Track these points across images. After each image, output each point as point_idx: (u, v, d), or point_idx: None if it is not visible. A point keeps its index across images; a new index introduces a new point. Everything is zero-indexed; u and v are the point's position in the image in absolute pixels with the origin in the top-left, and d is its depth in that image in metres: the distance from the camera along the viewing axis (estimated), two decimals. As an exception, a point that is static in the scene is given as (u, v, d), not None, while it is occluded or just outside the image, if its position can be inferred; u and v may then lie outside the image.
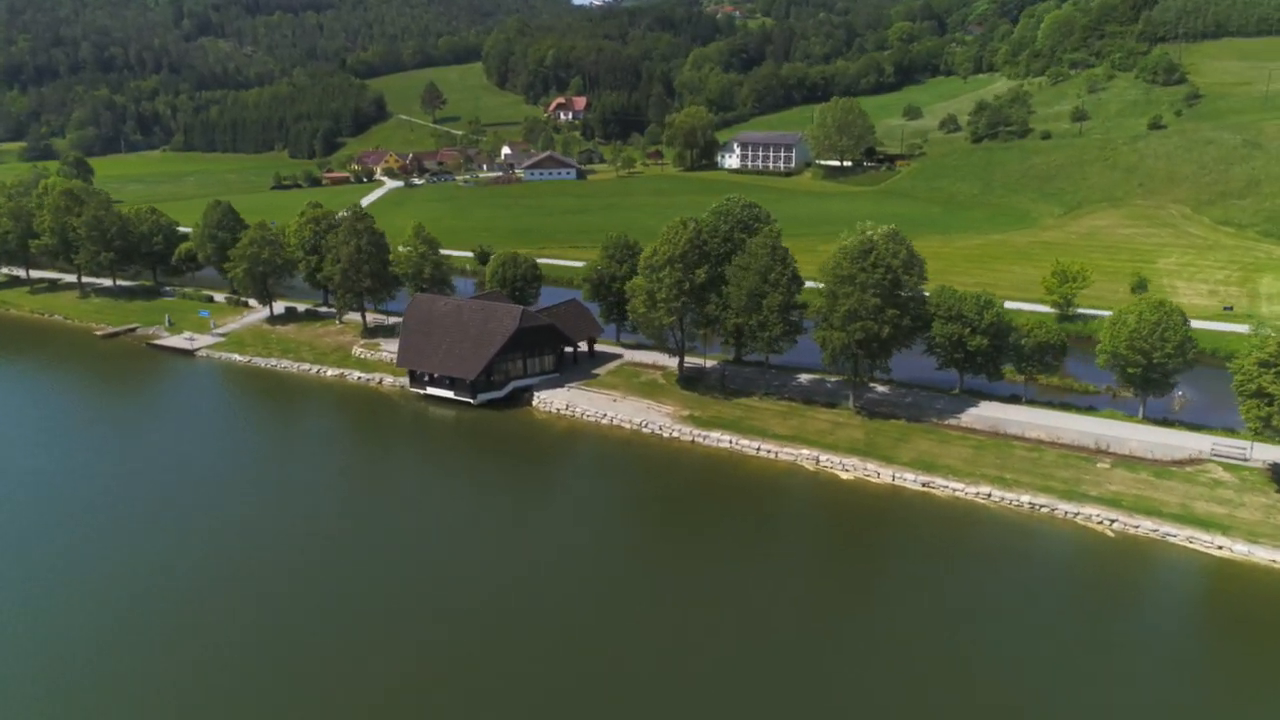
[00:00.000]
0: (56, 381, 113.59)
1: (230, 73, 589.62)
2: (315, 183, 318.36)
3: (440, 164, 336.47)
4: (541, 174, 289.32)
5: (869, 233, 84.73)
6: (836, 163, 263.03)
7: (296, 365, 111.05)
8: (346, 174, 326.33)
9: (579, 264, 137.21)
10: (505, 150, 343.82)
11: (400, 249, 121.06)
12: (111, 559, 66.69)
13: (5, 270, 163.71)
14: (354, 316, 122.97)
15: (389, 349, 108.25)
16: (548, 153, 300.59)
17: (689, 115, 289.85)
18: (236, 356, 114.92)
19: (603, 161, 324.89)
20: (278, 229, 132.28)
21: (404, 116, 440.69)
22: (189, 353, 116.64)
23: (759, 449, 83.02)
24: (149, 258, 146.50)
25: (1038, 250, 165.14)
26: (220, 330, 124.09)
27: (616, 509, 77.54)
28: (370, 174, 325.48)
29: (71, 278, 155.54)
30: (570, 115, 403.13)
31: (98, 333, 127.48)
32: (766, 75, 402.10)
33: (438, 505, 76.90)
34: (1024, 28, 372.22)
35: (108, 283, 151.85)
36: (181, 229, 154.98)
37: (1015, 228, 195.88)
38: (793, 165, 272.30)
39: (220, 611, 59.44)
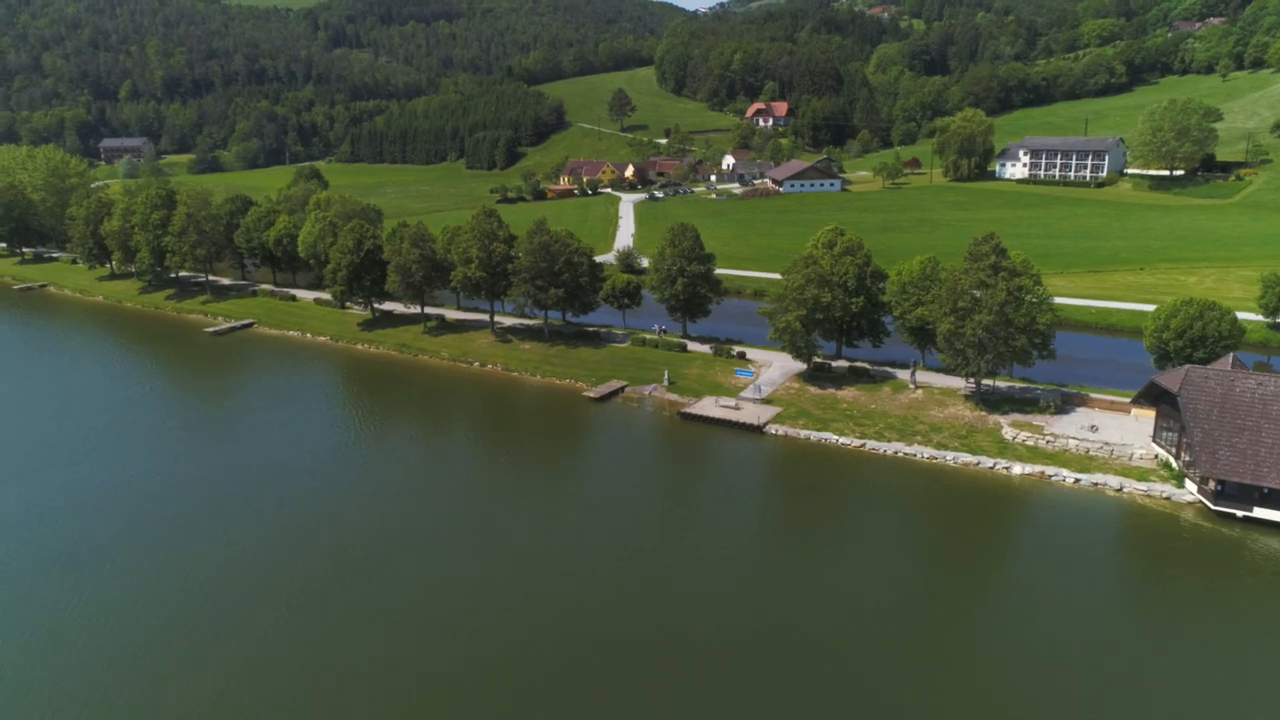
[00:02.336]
0: (634, 497, 76.17)
1: (380, 82, 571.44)
2: (540, 195, 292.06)
3: (661, 174, 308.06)
4: (802, 185, 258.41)
5: None
6: (1162, 172, 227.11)
7: (946, 456, 78.92)
8: (571, 187, 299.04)
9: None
10: (728, 160, 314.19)
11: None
12: None
13: (379, 305, 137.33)
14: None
15: (1026, 434, 77.92)
16: (807, 163, 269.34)
17: (965, 119, 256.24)
18: (830, 436, 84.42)
19: (842, 171, 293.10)
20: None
21: (584, 124, 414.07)
22: (754, 428, 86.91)
23: None
24: (578, 292, 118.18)
25: None
26: (748, 393, 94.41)
27: None
28: (595, 186, 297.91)
29: (459, 314, 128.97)
30: (770, 121, 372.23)
31: (590, 395, 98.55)
32: (983, 76, 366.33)
33: None
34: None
35: (508, 320, 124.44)
36: (599, 257, 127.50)
37: None
38: (1103, 175, 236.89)
39: None
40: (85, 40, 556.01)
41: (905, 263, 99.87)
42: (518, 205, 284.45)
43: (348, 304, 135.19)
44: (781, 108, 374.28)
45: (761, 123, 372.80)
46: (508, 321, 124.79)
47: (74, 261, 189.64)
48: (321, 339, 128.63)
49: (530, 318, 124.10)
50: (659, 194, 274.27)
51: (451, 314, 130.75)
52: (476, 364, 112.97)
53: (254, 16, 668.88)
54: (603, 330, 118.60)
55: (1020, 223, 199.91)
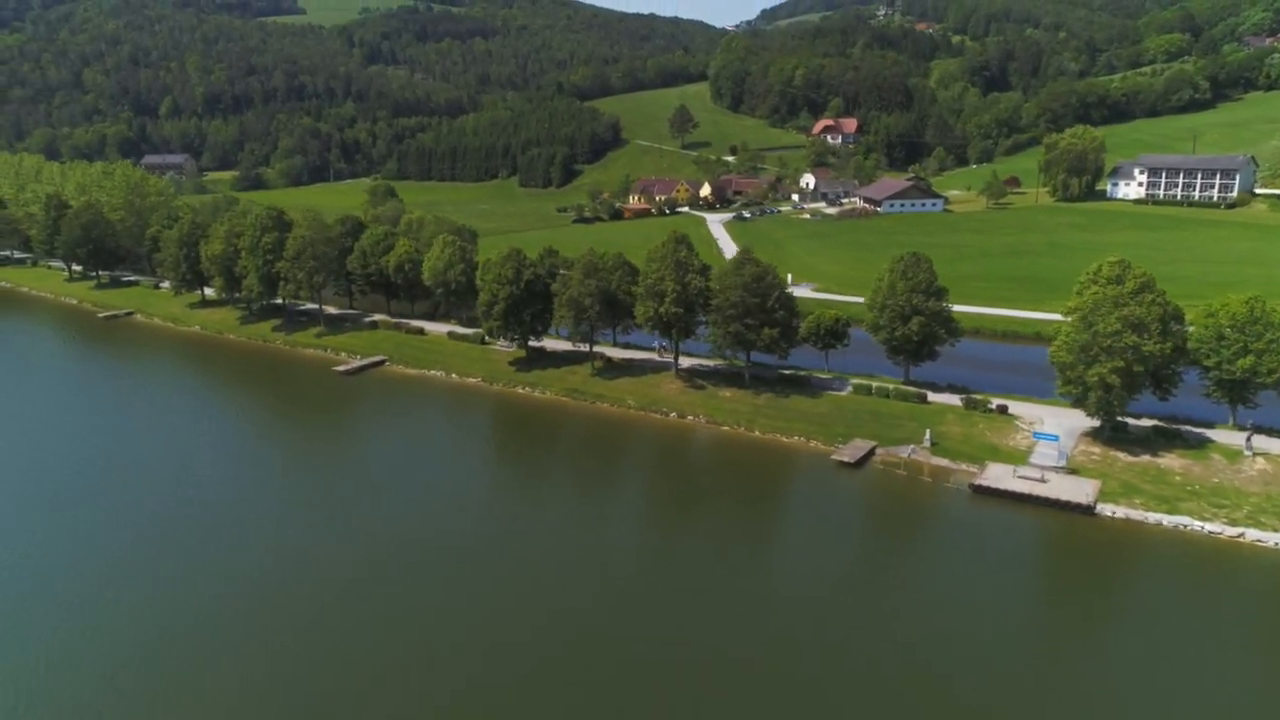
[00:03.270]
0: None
1: (421, 99, 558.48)
2: (616, 215, 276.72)
3: (738, 193, 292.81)
4: (903, 205, 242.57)
5: None
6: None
7: None
8: (647, 206, 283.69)
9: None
10: (808, 178, 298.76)
11: None
12: None
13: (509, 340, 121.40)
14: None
15: None
16: (901, 181, 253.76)
17: (1075, 136, 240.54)
18: (1188, 521, 66.25)
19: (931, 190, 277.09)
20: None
21: (642, 141, 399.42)
22: (1082, 509, 70.23)
23: None
24: (787, 332, 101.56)
25: None
26: (1042, 458, 77.86)
27: None
28: (672, 205, 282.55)
29: (625, 353, 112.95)
30: (839, 139, 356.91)
31: (841, 459, 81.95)
32: (1061, 92, 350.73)
33: None
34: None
35: (686, 361, 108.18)
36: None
37: None
38: (1233, 195, 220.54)
39: None
40: (125, 57, 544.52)
41: (1210, 301, 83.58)
42: (595, 225, 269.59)
43: (490, 339, 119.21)
44: (851, 124, 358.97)
45: (830, 139, 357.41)
46: (686, 363, 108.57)
47: (156, 286, 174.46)
48: (471, 380, 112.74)
49: (715, 358, 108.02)
50: (747, 214, 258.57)
51: (616, 353, 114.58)
52: (673, 415, 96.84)
53: (290, 33, 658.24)
54: (804, 374, 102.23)
55: (1163, 246, 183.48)
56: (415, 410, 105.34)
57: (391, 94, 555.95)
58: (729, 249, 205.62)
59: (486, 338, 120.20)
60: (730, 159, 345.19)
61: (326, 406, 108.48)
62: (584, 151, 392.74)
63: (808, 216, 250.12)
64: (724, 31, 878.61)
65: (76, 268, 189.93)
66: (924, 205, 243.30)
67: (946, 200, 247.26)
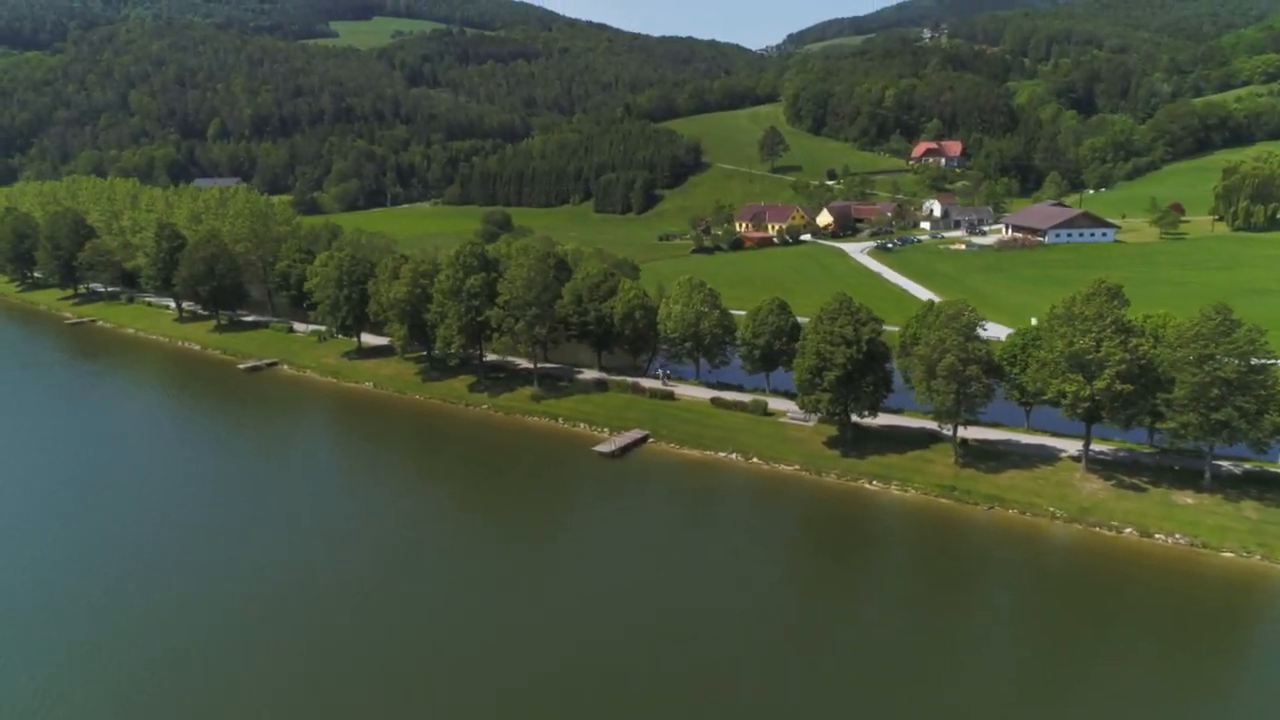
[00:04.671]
0: None
1: (474, 121, 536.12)
2: (737, 245, 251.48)
3: (859, 221, 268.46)
4: (1069, 235, 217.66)
5: None
6: None
7: None
8: (769, 235, 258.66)
9: None
10: (934, 205, 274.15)
11: None
12: None
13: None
14: None
15: None
16: (1078, 210, 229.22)
17: (1260, 159, 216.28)
18: None
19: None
20: None
21: (725, 165, 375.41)
22: None
23: None
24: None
25: None
26: None
27: None
28: (794, 234, 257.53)
29: (986, 433, 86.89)
30: (943, 162, 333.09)
31: None
32: (1180, 114, 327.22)
33: None
34: None
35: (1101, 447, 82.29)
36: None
37: None
38: None
39: None
40: (170, 78, 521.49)
41: None
42: (716, 256, 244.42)
43: (802, 411, 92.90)
44: (954, 147, 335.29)
45: (932, 163, 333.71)
46: (1100, 448, 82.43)
47: (290, 329, 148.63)
48: (785, 468, 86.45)
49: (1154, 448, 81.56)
50: (890, 244, 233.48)
51: (975, 433, 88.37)
52: (1176, 538, 70.38)
53: (334, 55, 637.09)
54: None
55: None
56: (756, 519, 79.36)
57: (442, 116, 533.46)
58: (909, 286, 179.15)
59: (797, 411, 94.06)
60: (832, 183, 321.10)
61: (616, 513, 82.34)
62: (664, 176, 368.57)
63: (962, 247, 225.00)
64: (759, 55, 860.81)
65: (188, 306, 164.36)
66: (1093, 235, 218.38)
67: (1117, 229, 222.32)
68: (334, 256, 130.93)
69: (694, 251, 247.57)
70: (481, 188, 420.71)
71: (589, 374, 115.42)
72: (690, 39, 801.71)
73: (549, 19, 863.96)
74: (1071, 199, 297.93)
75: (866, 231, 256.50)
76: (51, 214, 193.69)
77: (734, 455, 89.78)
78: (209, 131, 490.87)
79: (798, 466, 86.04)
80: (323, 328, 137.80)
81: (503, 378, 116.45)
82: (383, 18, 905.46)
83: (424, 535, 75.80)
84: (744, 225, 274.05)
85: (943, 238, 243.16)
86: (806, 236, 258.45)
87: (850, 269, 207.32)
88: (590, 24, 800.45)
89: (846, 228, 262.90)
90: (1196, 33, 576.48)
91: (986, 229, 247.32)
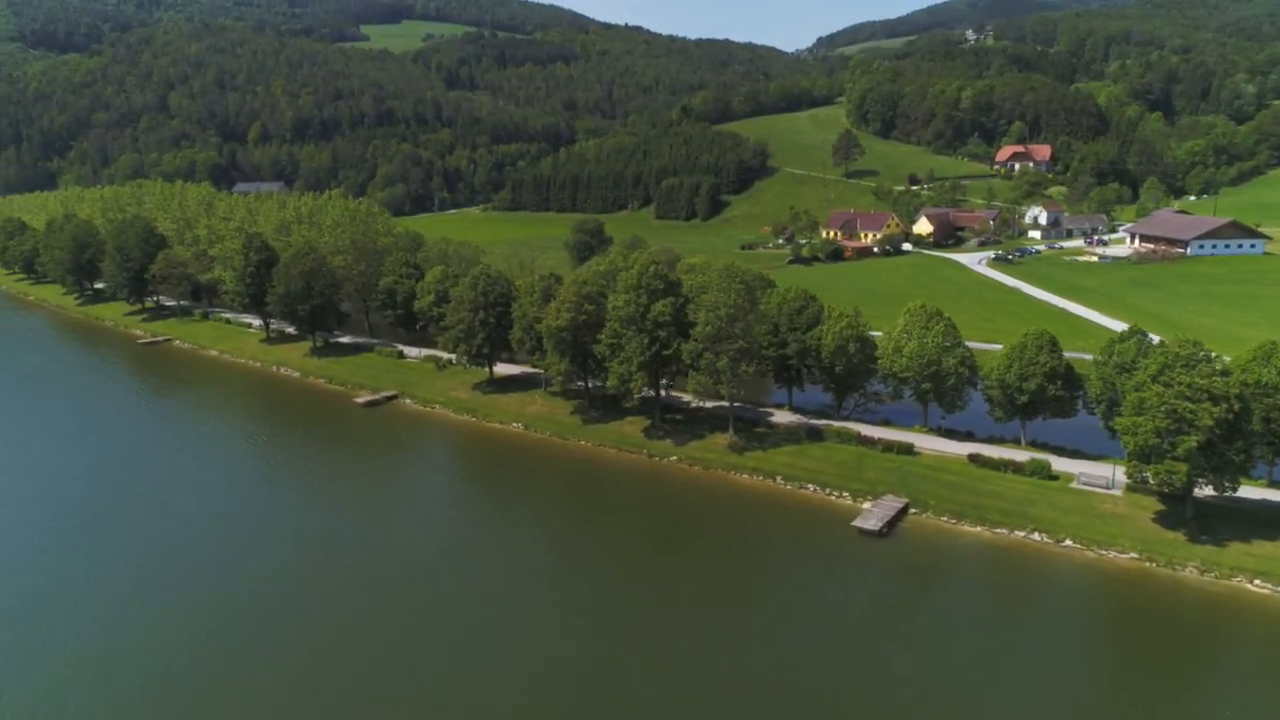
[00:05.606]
0: None
1: (518, 124, 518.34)
2: (836, 255, 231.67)
3: (960, 229, 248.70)
4: (1215, 246, 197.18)
5: None
6: None
7: None
8: (868, 244, 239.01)
9: None
10: (1039, 212, 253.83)
11: None
12: None
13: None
14: None
15: None
16: (1223, 219, 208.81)
17: None
18: None
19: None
20: None
21: (794, 169, 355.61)
22: None
23: None
24: None
25: None
26: None
27: None
28: (895, 243, 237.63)
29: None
30: (1031, 166, 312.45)
31: None
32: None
33: None
34: None
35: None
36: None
37: None
38: None
39: None
40: (210, 80, 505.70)
41: None
42: (816, 267, 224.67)
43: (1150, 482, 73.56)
44: (1043, 151, 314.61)
45: (1018, 168, 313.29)
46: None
47: (400, 355, 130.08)
48: (1117, 558, 66.92)
49: None
50: (1011, 255, 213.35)
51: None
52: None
53: (372, 58, 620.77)
54: None
55: None
56: (1129, 639, 59.67)
57: (485, 120, 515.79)
58: (1073, 309, 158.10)
59: (1091, 475, 74.90)
60: (916, 189, 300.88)
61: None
62: (729, 181, 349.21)
63: (1094, 258, 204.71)
64: (796, 57, 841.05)
65: (274, 324, 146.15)
66: (1241, 246, 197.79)
67: (1267, 240, 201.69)
68: (471, 274, 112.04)
69: (791, 262, 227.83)
70: (534, 192, 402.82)
71: (783, 416, 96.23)
72: (727, 41, 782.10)
73: (582, 22, 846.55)
74: (1174, 205, 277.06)
75: (975, 241, 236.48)
76: (118, 222, 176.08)
77: (1037, 535, 70.32)
78: (250, 134, 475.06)
79: (1135, 555, 66.47)
80: (441, 354, 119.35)
81: (680, 420, 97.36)
82: (412, 21, 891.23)
83: (682, 670, 56.45)
84: (832, 234, 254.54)
85: (1061, 248, 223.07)
86: (907, 246, 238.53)
87: (979, 283, 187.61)
88: (626, 26, 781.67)
89: (949, 236, 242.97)
90: (1256, 33, 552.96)
91: (1107, 238, 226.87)
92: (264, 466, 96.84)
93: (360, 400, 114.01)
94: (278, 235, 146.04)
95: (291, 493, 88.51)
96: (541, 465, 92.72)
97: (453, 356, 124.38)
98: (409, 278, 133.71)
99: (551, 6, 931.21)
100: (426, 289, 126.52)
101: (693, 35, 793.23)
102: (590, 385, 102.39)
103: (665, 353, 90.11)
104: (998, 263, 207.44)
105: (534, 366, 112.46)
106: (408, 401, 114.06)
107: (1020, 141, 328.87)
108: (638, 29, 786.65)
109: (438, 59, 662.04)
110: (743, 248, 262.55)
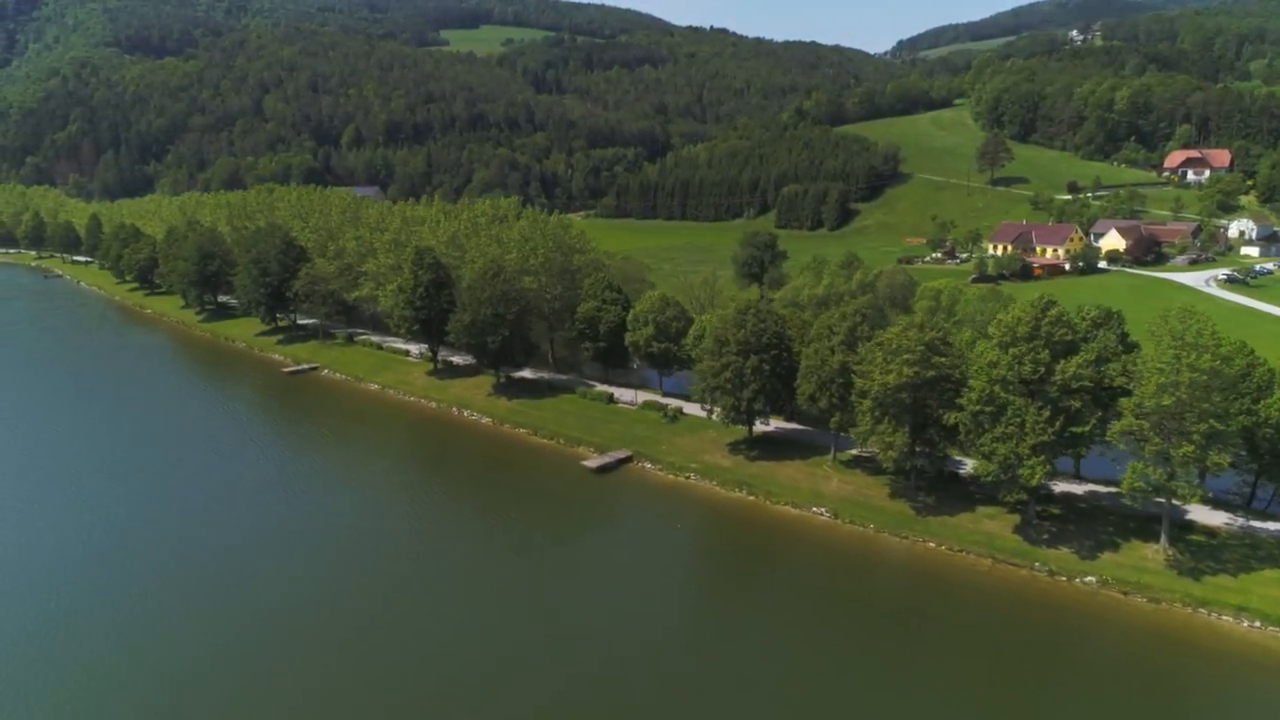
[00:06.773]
0: None
1: (613, 128, 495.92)
2: (1026, 273, 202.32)
3: (1157, 244, 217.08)
4: None
5: None
6: None
7: None
8: (1058, 260, 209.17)
9: None
10: (1248, 225, 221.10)
11: None
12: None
13: None
14: None
15: None
16: None
17: None
18: None
19: None
20: None
21: (928, 176, 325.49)
22: None
23: None
24: None
25: None
26: None
27: None
28: (1091, 259, 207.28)
29: None
30: (1205, 174, 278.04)
31: None
32: None
33: None
34: None
35: None
36: None
37: None
38: None
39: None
40: (304, 83, 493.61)
41: None
42: (1004, 286, 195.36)
43: None
44: (1222, 156, 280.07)
45: (1192, 175, 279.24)
46: None
47: (609, 399, 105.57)
48: None
49: None
50: (1248, 277, 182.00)
51: None
52: None
53: (460, 61, 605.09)
54: None
55: None
56: None
57: (580, 124, 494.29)
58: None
59: None
60: (1081, 197, 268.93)
61: None
62: (858, 188, 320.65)
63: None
64: (884, 60, 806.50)
65: (442, 353, 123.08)
66: None
67: None
68: (733, 310, 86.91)
69: (975, 280, 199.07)
70: (640, 200, 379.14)
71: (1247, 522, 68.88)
72: (815, 44, 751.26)
73: (663, 25, 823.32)
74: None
75: (1184, 259, 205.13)
76: (251, 231, 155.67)
77: None
78: (343, 138, 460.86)
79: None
80: (659, 397, 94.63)
81: (1059, 515, 70.57)
82: (490, 26, 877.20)
83: None
84: (1002, 248, 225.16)
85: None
86: (1102, 263, 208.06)
87: (1228, 310, 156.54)
88: (711, 29, 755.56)
89: (1148, 252, 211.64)
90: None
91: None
92: (530, 579, 72.47)
93: (590, 464, 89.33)
94: (448, 250, 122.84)
95: (580, 612, 63.98)
96: (904, 585, 66.65)
97: (680, 404, 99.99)
98: (613, 303, 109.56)
99: (630, 10, 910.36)
100: (641, 319, 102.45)
101: (779, 38, 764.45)
102: (919, 463, 76.27)
103: (1076, 430, 63.57)
104: (1231, 284, 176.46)
105: (798, 423, 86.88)
106: (646, 465, 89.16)
107: (1188, 146, 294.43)
108: (723, 31, 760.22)
109: (523, 62, 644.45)
110: (900, 261, 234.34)
